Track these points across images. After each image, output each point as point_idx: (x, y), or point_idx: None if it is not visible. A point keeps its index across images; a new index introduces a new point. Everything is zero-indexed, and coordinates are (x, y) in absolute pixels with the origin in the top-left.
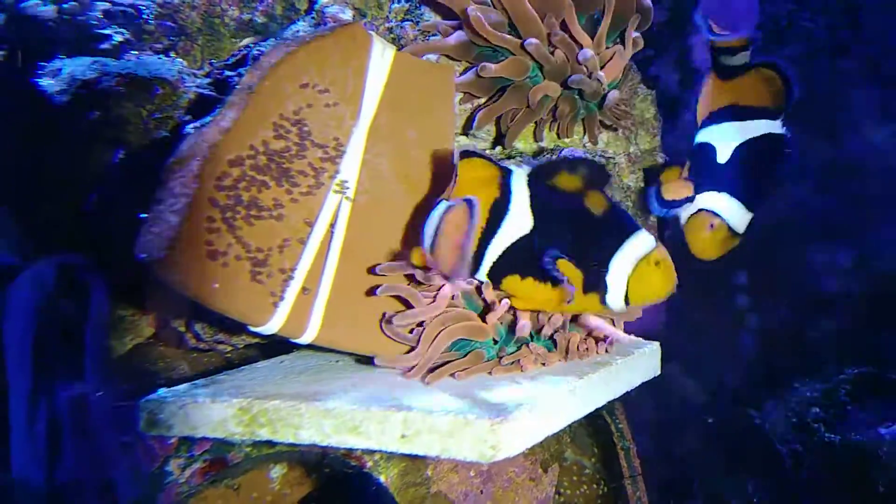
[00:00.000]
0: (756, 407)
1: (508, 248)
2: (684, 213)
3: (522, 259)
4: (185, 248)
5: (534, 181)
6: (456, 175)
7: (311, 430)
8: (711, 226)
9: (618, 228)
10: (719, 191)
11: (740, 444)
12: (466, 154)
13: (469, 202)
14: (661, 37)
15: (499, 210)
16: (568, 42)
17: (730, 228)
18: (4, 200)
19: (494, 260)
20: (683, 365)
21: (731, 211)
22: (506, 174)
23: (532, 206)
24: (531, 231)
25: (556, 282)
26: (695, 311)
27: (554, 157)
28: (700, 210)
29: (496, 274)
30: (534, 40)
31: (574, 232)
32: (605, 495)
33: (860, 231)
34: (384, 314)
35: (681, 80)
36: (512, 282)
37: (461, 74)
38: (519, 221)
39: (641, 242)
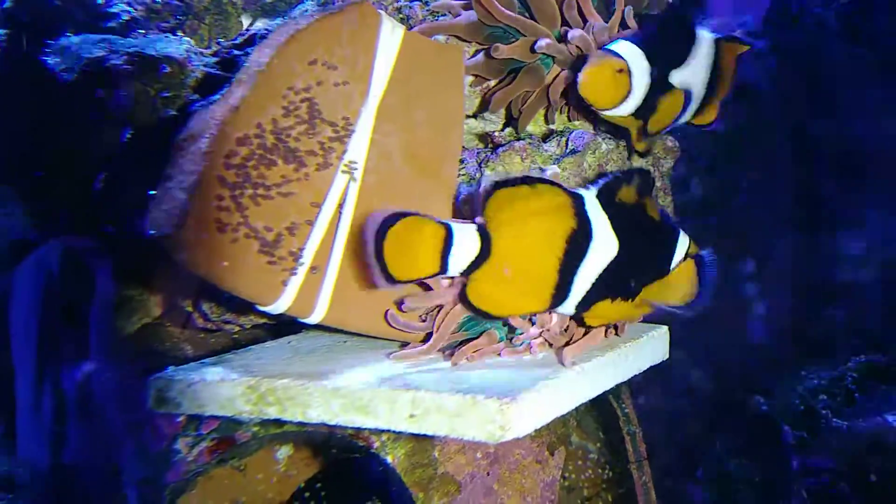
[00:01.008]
0: (763, 393)
1: (601, 276)
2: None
3: (613, 283)
4: (195, 225)
5: (605, 201)
6: (485, 202)
7: (320, 409)
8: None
9: (670, 232)
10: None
11: (747, 431)
12: (529, 181)
13: None
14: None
15: (579, 240)
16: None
17: (628, 73)
18: (14, 179)
19: (586, 290)
20: (690, 351)
21: (632, 56)
22: (577, 200)
23: (614, 227)
24: (618, 253)
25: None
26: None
27: (612, 173)
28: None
29: (586, 303)
30: (543, 43)
31: (649, 244)
32: (611, 480)
33: (870, 218)
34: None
35: None
36: (602, 307)
37: (471, 57)
38: (606, 246)
39: (683, 241)
